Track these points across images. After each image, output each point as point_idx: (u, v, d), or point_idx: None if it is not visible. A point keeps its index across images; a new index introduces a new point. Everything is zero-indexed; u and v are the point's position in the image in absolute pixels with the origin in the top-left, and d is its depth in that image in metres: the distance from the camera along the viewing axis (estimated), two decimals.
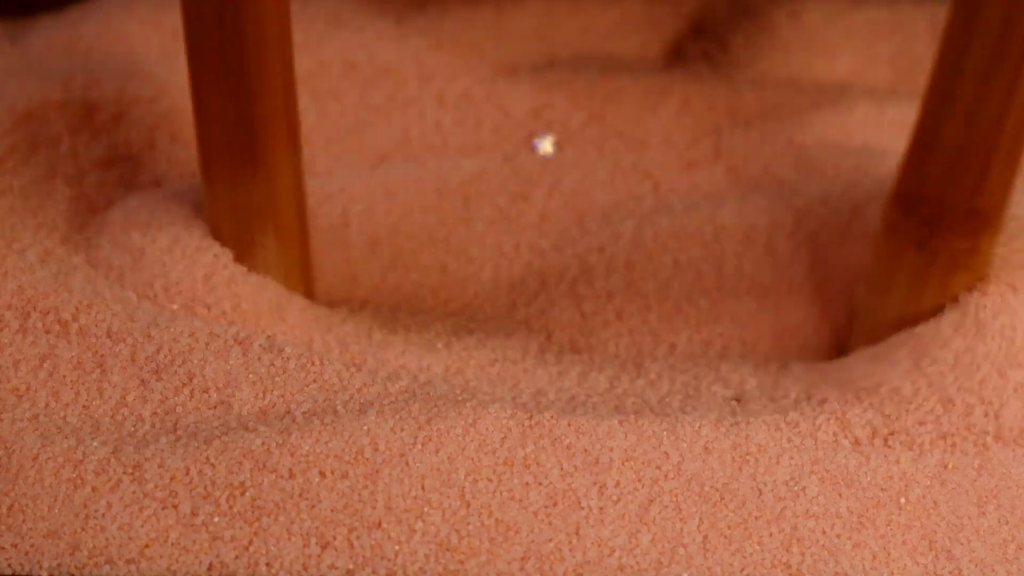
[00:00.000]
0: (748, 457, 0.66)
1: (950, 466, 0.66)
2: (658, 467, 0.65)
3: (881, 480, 0.65)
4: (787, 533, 0.64)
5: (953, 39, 0.64)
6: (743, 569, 0.63)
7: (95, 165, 0.80)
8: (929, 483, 0.65)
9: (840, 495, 0.65)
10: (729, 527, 0.64)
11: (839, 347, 0.75)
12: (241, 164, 0.70)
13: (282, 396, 0.68)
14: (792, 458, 0.66)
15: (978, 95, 0.64)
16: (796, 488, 0.65)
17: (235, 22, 0.66)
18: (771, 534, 0.64)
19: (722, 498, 0.64)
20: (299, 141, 0.72)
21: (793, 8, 0.93)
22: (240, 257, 0.73)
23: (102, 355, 0.69)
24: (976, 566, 0.64)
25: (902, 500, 0.65)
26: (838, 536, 0.64)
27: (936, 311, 0.70)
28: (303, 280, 0.75)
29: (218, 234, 0.73)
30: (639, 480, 0.65)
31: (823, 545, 0.64)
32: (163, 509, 0.63)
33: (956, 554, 0.64)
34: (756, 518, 0.64)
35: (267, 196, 0.71)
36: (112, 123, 0.82)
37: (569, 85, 0.86)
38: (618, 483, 0.64)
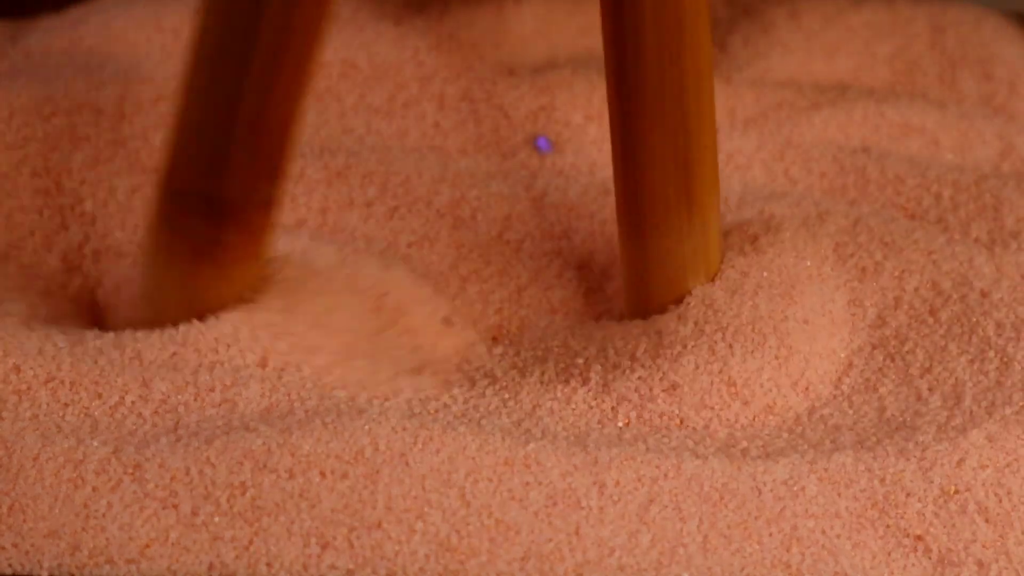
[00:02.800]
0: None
1: (952, 492, 0.65)
2: (657, 467, 0.65)
3: (877, 482, 0.65)
4: (787, 533, 0.64)
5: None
6: (743, 569, 0.63)
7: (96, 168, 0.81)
8: (935, 496, 0.65)
9: (840, 495, 0.65)
10: (729, 527, 0.64)
11: None
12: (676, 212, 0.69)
13: (287, 395, 0.68)
14: (790, 457, 0.66)
15: (213, 77, 0.62)
16: (795, 488, 0.65)
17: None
18: (771, 534, 0.64)
19: (722, 498, 0.64)
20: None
21: (792, 8, 0.93)
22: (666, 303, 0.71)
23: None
24: (977, 568, 0.64)
25: (903, 500, 0.65)
26: (838, 536, 0.64)
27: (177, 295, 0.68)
28: None
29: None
30: (639, 480, 0.65)
31: (823, 545, 0.64)
32: (163, 509, 0.63)
33: (956, 558, 0.64)
34: (756, 518, 0.64)
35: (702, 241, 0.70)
36: (114, 124, 0.82)
37: (568, 86, 0.86)
38: (618, 483, 0.64)
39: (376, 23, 0.88)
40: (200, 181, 0.64)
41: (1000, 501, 0.65)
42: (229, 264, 0.67)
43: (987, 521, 0.65)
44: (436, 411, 0.69)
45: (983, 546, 0.64)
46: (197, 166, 0.64)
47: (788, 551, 0.64)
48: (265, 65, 0.62)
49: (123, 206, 0.79)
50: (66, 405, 0.68)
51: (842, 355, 0.71)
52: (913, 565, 0.64)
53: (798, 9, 0.93)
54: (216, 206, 0.65)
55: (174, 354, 0.68)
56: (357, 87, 0.86)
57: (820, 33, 0.92)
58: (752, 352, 0.68)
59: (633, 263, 0.71)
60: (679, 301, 0.70)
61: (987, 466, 0.65)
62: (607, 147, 0.84)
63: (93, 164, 0.80)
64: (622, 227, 0.70)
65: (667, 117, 0.66)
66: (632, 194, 0.69)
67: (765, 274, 0.70)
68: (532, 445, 0.65)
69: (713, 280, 0.70)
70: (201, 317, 0.68)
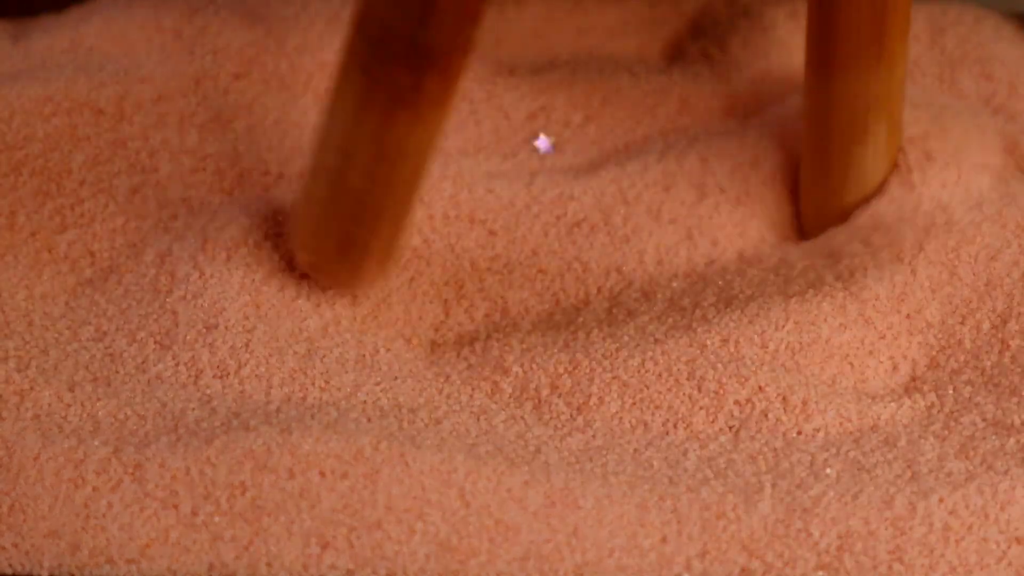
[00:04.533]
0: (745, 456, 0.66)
1: None
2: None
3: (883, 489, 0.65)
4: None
5: None
6: (743, 569, 0.63)
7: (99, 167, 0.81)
8: None
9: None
10: (728, 527, 0.64)
11: None
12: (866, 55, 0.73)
13: (301, 387, 0.69)
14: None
15: None
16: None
17: None
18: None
19: (722, 497, 0.65)
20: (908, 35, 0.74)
21: (792, 8, 0.93)
22: (849, 143, 0.76)
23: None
24: None
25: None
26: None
27: (370, 143, 0.67)
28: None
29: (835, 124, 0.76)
30: (639, 480, 0.65)
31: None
32: (164, 509, 0.64)
33: None
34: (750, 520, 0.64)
35: (886, 87, 0.74)
36: (114, 124, 0.82)
37: (568, 86, 0.86)
38: (618, 483, 0.64)
39: None
40: (403, 26, 0.63)
41: None
42: (427, 110, 0.66)
43: None
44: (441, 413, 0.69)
45: None
46: (401, 11, 0.63)
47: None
48: None
49: (123, 206, 0.79)
50: (68, 405, 0.68)
51: None
52: None
53: (798, 9, 0.93)
54: (419, 52, 0.63)
55: None
56: None
57: None
58: None
59: (817, 104, 0.76)
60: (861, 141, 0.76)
61: None
62: (607, 147, 0.84)
63: (93, 164, 0.80)
64: (810, 66, 0.75)
65: None
66: (824, 33, 0.74)
67: None
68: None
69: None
70: (394, 163, 0.68)
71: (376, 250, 0.71)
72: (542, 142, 0.84)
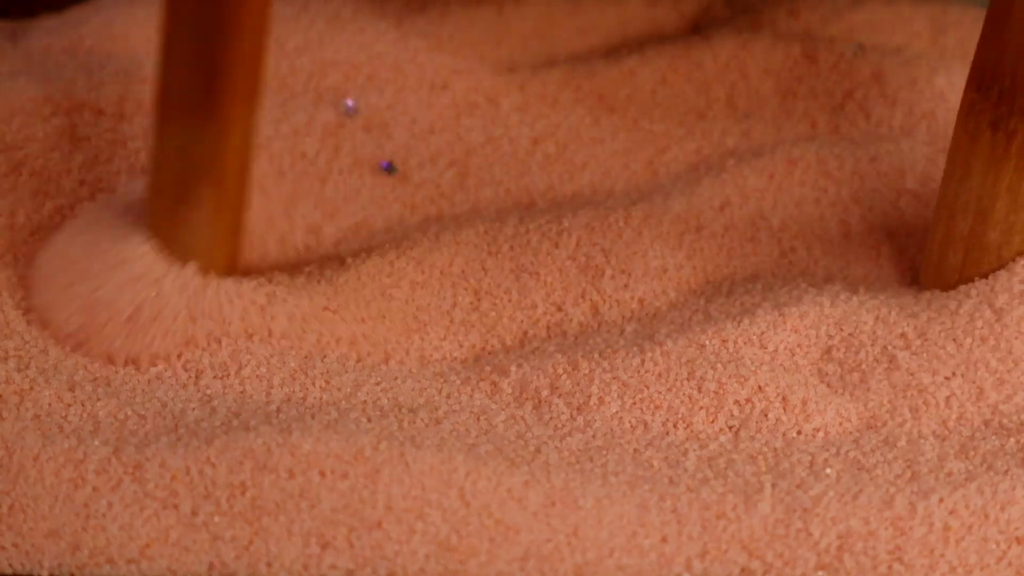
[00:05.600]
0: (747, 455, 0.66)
1: None
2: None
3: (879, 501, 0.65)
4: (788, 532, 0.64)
5: None
6: (743, 569, 0.63)
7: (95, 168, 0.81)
8: None
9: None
10: (728, 527, 0.64)
11: None
12: (195, 111, 0.67)
13: (302, 386, 0.69)
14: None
15: None
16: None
17: None
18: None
19: (722, 497, 0.65)
20: (259, 98, 0.68)
21: (792, 7, 0.93)
22: (174, 204, 0.69)
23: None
24: None
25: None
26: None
27: (1012, 191, 0.68)
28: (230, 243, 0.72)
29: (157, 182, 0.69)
30: (639, 480, 0.65)
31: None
32: (164, 509, 0.64)
33: None
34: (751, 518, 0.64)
35: (215, 149, 0.68)
36: (114, 124, 0.82)
37: (568, 85, 0.86)
38: (618, 483, 0.65)
39: (376, 23, 0.88)
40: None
41: None
42: None
43: None
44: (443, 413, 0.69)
45: None
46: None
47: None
48: None
49: None
50: (68, 405, 0.68)
51: None
52: None
53: (798, 8, 0.93)
54: None
55: None
56: (357, 87, 0.86)
57: (820, 32, 0.92)
58: None
59: (153, 149, 0.70)
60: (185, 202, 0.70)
61: None
62: (606, 146, 0.84)
63: (93, 164, 0.80)
64: (153, 107, 0.69)
65: (198, 22, 0.65)
66: (161, 89, 0.68)
67: None
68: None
69: None
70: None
71: None
72: (349, 103, 0.84)
